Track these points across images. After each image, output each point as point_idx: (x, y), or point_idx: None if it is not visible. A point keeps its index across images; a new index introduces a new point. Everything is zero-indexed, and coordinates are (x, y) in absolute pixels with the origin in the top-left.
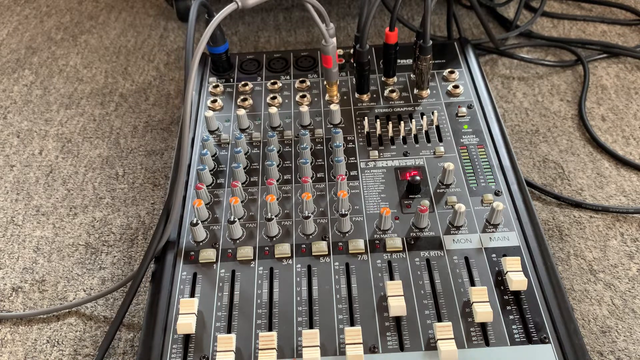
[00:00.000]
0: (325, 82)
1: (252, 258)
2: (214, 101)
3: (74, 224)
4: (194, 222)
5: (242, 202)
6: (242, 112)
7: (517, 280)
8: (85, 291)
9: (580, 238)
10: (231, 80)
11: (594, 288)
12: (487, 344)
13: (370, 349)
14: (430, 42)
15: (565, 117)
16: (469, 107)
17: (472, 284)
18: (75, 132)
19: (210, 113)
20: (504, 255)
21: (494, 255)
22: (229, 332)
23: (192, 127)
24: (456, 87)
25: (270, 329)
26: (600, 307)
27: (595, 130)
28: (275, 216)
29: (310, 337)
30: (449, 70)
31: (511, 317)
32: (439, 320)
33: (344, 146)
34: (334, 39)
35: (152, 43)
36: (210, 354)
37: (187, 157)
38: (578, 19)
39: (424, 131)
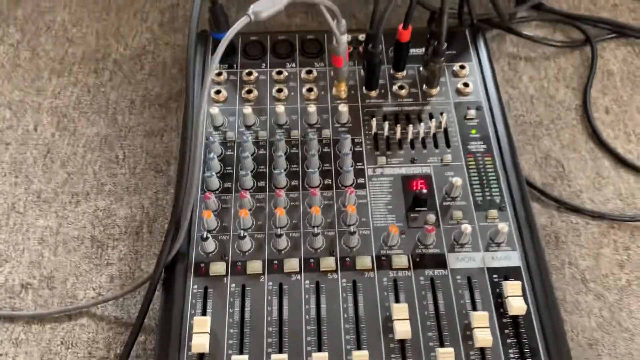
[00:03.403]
0: (334, 77)
1: (262, 272)
2: (218, 92)
3: (77, 212)
4: (204, 236)
5: (250, 210)
6: (248, 110)
7: (516, 306)
8: (94, 289)
9: (576, 245)
10: (235, 66)
11: (584, 299)
12: None
13: None
14: (445, 44)
15: (570, 108)
16: (478, 108)
17: (474, 306)
18: (70, 105)
19: (215, 110)
20: (505, 277)
21: (495, 275)
22: (241, 351)
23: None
24: (466, 85)
25: (280, 349)
26: (589, 319)
27: (598, 124)
28: (283, 228)
29: None
30: (460, 65)
31: (508, 341)
32: (441, 343)
33: (351, 150)
34: (345, 37)
35: None
36: None
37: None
38: None
39: (431, 134)
